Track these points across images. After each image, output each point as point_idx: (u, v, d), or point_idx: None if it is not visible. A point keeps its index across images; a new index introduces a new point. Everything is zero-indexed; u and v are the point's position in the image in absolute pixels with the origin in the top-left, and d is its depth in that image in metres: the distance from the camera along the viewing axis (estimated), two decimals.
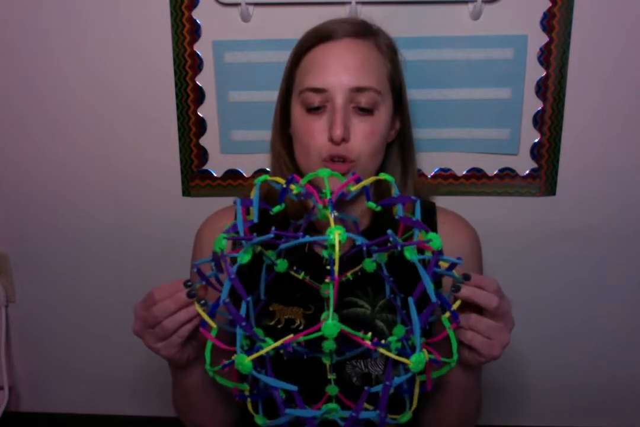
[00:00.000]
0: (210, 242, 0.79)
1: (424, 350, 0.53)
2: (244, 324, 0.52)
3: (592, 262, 1.07)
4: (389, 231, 0.54)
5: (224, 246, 0.54)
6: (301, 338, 0.50)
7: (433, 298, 0.51)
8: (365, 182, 0.60)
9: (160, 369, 1.17)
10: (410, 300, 0.52)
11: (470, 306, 0.59)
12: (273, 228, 0.53)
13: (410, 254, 0.53)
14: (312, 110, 0.72)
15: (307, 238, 0.51)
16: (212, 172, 1.06)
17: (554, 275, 1.08)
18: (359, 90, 0.70)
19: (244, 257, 0.54)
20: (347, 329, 0.49)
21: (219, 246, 0.54)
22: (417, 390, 0.58)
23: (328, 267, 0.50)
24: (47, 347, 1.19)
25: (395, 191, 0.61)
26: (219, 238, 0.55)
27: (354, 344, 0.67)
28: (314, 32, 0.75)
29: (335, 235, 0.49)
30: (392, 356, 0.51)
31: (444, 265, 0.56)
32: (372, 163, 0.75)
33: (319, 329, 0.49)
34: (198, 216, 0.91)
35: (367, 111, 0.71)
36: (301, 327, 0.76)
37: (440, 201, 0.93)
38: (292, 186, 0.60)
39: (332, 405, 0.54)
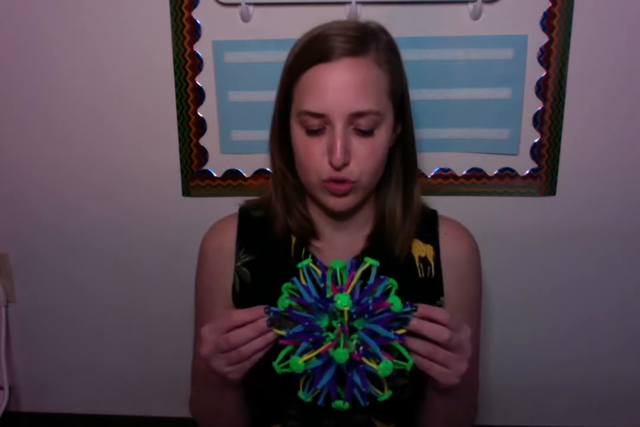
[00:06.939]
0: (215, 253, 0.84)
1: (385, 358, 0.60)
2: (306, 323, 0.60)
3: (592, 262, 1.07)
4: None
5: (286, 304, 0.62)
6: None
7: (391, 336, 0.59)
8: (358, 274, 0.63)
9: (160, 369, 1.18)
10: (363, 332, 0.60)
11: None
12: (305, 315, 0.61)
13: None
14: (312, 132, 0.72)
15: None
16: (212, 172, 1.06)
17: (554, 275, 1.08)
18: (358, 115, 0.69)
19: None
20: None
21: (282, 306, 0.62)
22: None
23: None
24: (47, 347, 1.19)
25: (371, 278, 0.64)
26: (282, 299, 0.62)
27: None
28: (310, 46, 0.72)
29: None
30: (368, 363, 0.60)
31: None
32: (372, 181, 0.76)
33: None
34: (198, 216, 0.91)
35: (366, 133, 0.71)
36: None
37: (440, 201, 0.93)
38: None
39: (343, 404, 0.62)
